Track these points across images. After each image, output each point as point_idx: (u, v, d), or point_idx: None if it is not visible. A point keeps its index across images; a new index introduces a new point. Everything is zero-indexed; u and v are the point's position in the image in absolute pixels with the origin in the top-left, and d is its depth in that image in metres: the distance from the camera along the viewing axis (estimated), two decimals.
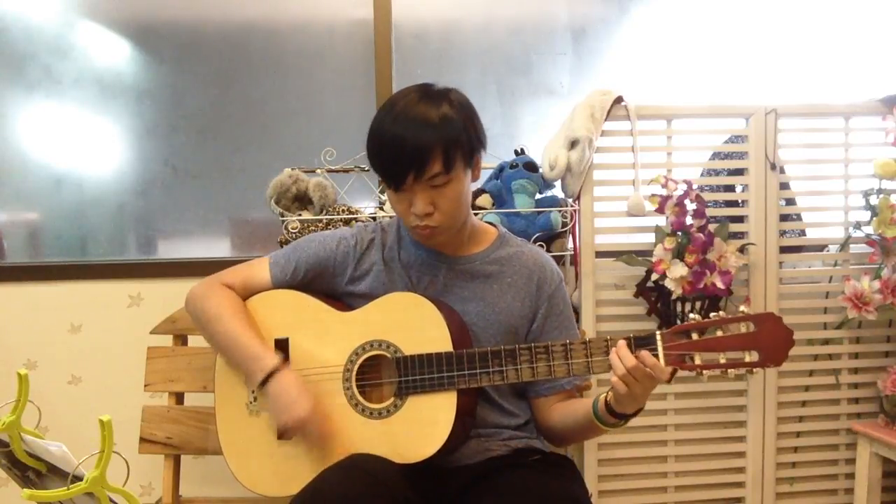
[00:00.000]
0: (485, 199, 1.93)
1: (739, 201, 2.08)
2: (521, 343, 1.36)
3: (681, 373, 1.20)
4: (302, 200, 1.90)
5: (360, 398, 1.29)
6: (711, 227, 1.91)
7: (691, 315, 1.22)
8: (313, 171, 1.94)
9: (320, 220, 1.85)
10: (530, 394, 1.39)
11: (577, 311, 1.97)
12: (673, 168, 2.03)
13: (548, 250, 1.88)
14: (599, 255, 2.01)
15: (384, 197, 1.89)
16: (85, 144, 2.17)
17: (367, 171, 1.91)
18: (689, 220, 1.87)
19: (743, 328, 1.18)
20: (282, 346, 1.33)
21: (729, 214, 2.04)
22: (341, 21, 2.22)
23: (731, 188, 2.10)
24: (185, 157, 2.21)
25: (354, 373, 1.30)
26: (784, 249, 2.06)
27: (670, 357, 1.18)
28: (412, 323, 1.28)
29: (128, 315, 2.07)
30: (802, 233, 2.12)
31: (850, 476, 2.10)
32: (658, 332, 1.19)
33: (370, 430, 1.27)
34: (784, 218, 2.06)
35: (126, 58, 2.19)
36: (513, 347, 1.25)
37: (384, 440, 1.25)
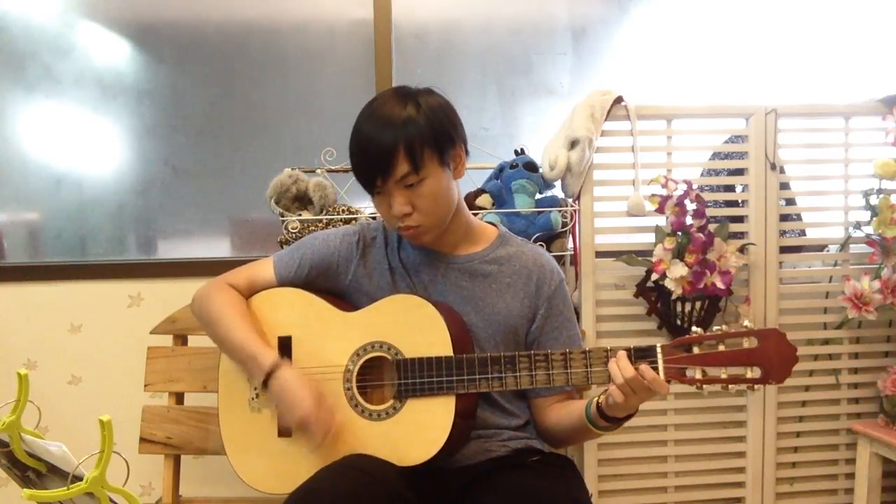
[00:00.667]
0: (485, 199, 1.93)
1: (739, 201, 2.08)
2: (521, 343, 1.36)
3: None
4: (302, 200, 1.90)
5: (360, 399, 1.29)
6: (711, 227, 1.91)
7: (694, 328, 1.20)
8: (313, 171, 1.94)
9: (320, 220, 1.85)
10: (529, 394, 1.39)
11: (577, 311, 1.96)
12: (673, 168, 2.03)
13: (548, 250, 1.88)
14: (599, 255, 2.01)
15: None
16: (85, 144, 2.17)
17: None
18: (689, 220, 1.87)
19: (745, 343, 1.16)
20: (284, 343, 1.34)
21: (729, 214, 2.04)
22: (341, 21, 2.23)
23: (731, 188, 2.10)
24: (185, 157, 2.21)
25: (355, 373, 1.30)
26: (784, 249, 2.06)
27: (670, 370, 1.17)
28: (414, 325, 1.28)
29: (128, 315, 2.07)
30: (802, 233, 2.12)
31: (850, 476, 2.10)
32: (658, 346, 1.18)
33: (369, 432, 1.27)
34: (784, 218, 2.06)
35: (126, 58, 2.19)
36: (512, 355, 1.25)
37: (383, 442, 1.25)
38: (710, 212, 1.93)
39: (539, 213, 1.90)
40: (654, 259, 1.91)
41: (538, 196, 1.94)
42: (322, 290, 1.39)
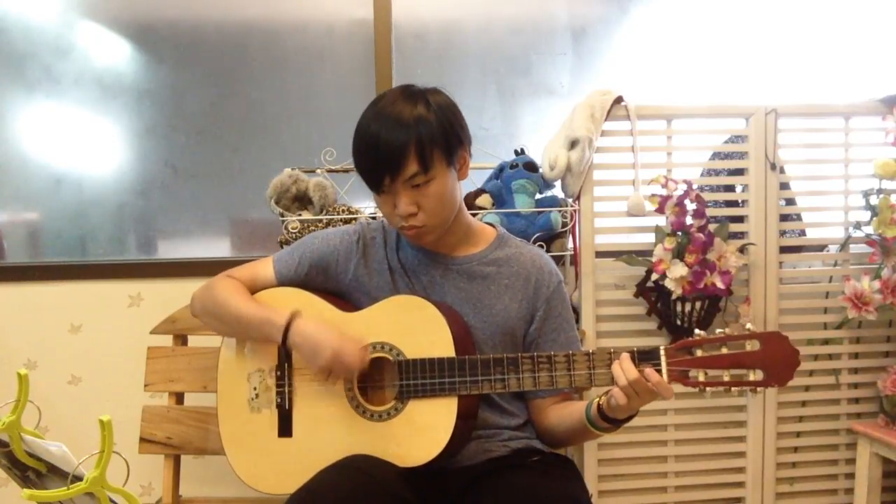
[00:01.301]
0: (485, 199, 1.93)
1: (739, 201, 2.08)
2: (519, 344, 1.36)
3: None
4: (302, 200, 1.90)
5: (361, 400, 1.29)
6: (711, 227, 1.91)
7: (697, 331, 1.21)
8: (313, 171, 1.94)
9: (320, 220, 1.85)
10: (528, 395, 1.39)
11: (577, 312, 1.97)
12: (673, 168, 2.03)
13: (548, 250, 1.88)
14: (599, 255, 2.01)
15: None
16: (85, 144, 2.17)
17: None
18: (689, 220, 1.87)
19: (748, 346, 1.17)
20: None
21: (729, 214, 2.04)
22: (341, 21, 2.23)
23: (731, 188, 2.10)
24: (185, 157, 2.21)
25: (356, 374, 1.30)
26: (784, 249, 2.06)
27: (673, 373, 1.17)
28: (415, 326, 1.28)
29: (128, 315, 2.07)
30: (802, 233, 2.12)
31: (850, 476, 2.10)
32: (662, 348, 1.19)
33: (370, 433, 1.27)
34: (784, 218, 2.06)
35: (126, 58, 2.19)
36: (515, 356, 1.25)
37: (384, 443, 1.25)
38: (710, 212, 1.93)
39: (539, 213, 1.90)
40: (654, 259, 1.91)
41: (538, 196, 1.94)
42: (322, 289, 1.39)
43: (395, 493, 1.15)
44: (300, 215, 1.87)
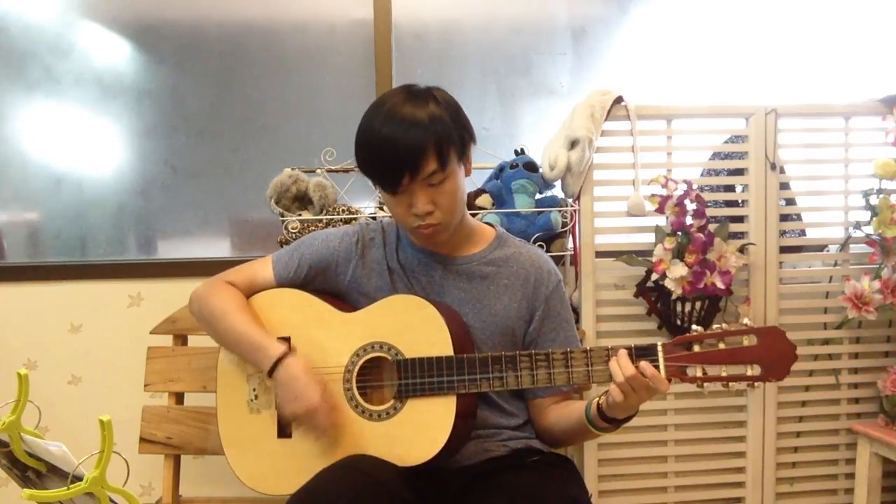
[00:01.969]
0: (485, 199, 1.93)
1: (739, 201, 2.08)
2: (518, 344, 1.36)
3: None
4: (302, 200, 1.90)
5: (360, 399, 1.29)
6: (711, 227, 1.91)
7: (694, 326, 1.21)
8: (313, 171, 1.94)
9: (320, 220, 1.85)
10: (527, 395, 1.39)
11: (577, 311, 1.97)
12: (673, 168, 2.03)
13: (548, 250, 1.88)
14: (599, 255, 2.01)
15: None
16: (85, 144, 2.17)
17: None
18: (689, 220, 1.87)
19: (745, 341, 1.17)
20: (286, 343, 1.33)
21: (729, 214, 2.04)
22: (341, 21, 2.23)
23: (731, 188, 2.10)
24: (185, 157, 2.21)
25: (355, 374, 1.30)
26: (784, 249, 2.06)
27: (671, 369, 1.17)
28: (414, 326, 1.28)
29: (128, 315, 2.07)
30: (802, 233, 2.12)
31: (850, 476, 2.10)
32: (660, 343, 1.19)
33: (370, 432, 1.27)
34: (784, 218, 2.06)
35: (126, 58, 2.19)
36: (513, 354, 1.25)
37: (383, 442, 1.25)
38: (710, 212, 1.93)
39: (539, 213, 1.90)
40: (654, 259, 1.91)
41: (538, 196, 1.94)
42: (321, 290, 1.39)
43: (395, 493, 1.15)
44: (300, 215, 1.87)
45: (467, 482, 1.27)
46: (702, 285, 1.87)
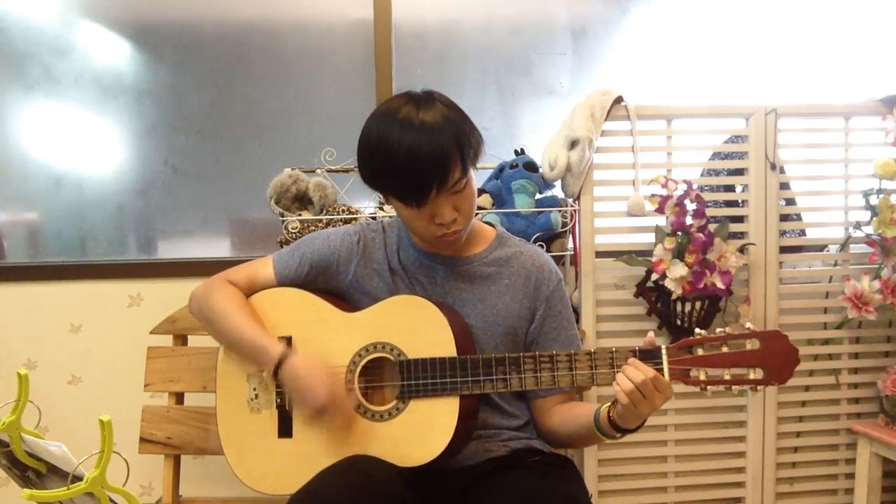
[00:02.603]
0: (485, 199, 1.93)
1: (739, 201, 2.08)
2: (520, 344, 1.36)
3: None
4: (302, 200, 1.90)
5: (362, 400, 1.29)
6: (711, 227, 1.91)
7: (697, 330, 1.22)
8: (313, 171, 1.94)
9: (320, 220, 1.85)
10: (529, 395, 1.39)
11: (577, 311, 1.97)
12: (673, 168, 2.03)
13: (548, 250, 1.88)
14: (599, 255, 2.01)
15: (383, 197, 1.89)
16: (85, 144, 2.17)
17: None
18: (689, 220, 1.87)
19: (748, 345, 1.18)
20: (286, 342, 1.33)
21: (729, 214, 2.04)
22: (341, 21, 2.22)
23: (731, 188, 2.10)
24: (185, 157, 2.21)
25: (357, 374, 1.30)
26: (784, 249, 2.06)
27: (675, 371, 1.18)
28: (416, 326, 1.28)
29: (128, 315, 2.07)
30: (802, 233, 2.12)
31: (850, 476, 2.10)
32: (664, 347, 1.19)
33: (372, 433, 1.27)
34: (784, 218, 2.06)
35: (126, 58, 2.19)
36: (517, 356, 1.25)
37: (386, 443, 1.25)
38: (710, 212, 1.93)
39: (539, 213, 1.90)
40: (654, 259, 1.91)
41: (538, 196, 1.94)
42: (322, 290, 1.39)
43: (396, 494, 1.15)
44: (300, 215, 1.87)
45: (468, 482, 1.27)
46: (702, 285, 1.87)
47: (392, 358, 1.28)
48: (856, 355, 2.11)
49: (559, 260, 1.97)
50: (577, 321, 1.94)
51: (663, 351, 1.19)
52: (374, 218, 1.86)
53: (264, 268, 1.39)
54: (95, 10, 2.16)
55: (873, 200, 2.00)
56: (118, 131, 2.19)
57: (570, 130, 1.92)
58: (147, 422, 1.69)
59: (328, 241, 1.39)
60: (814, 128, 2.09)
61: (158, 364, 1.72)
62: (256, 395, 1.34)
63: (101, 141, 2.18)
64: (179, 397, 1.72)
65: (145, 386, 1.72)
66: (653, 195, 1.93)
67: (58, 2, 2.14)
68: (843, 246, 2.08)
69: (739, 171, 2.06)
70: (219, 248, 2.26)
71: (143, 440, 1.68)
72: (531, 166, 1.93)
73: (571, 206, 1.98)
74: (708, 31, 2.34)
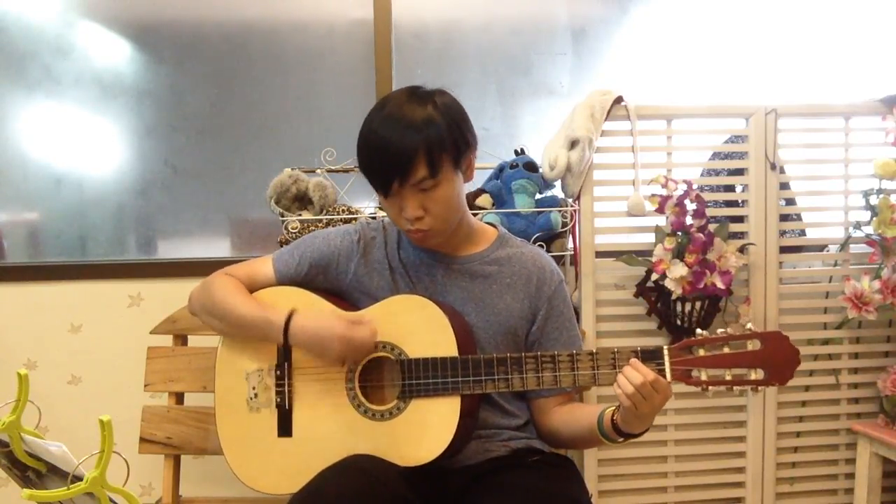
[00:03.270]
0: (485, 199, 1.93)
1: (739, 201, 2.08)
2: (521, 344, 1.36)
3: None
4: (302, 200, 1.90)
5: (362, 399, 1.29)
6: (711, 227, 1.91)
7: (699, 330, 1.22)
8: (313, 171, 1.94)
9: (320, 220, 1.85)
10: (529, 395, 1.39)
11: (577, 311, 1.96)
12: (673, 168, 2.03)
13: (548, 250, 1.88)
14: (599, 255, 2.01)
15: None
16: (85, 144, 2.17)
17: None
18: (689, 220, 1.87)
19: (749, 345, 1.19)
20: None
21: (729, 214, 2.04)
22: (341, 21, 2.22)
23: (731, 188, 2.10)
24: (185, 157, 2.21)
25: (357, 374, 1.30)
26: (784, 249, 2.06)
27: (676, 372, 1.19)
28: (417, 326, 1.28)
29: (128, 315, 2.07)
30: (802, 233, 2.12)
31: (850, 476, 2.10)
32: (665, 347, 1.20)
33: (372, 432, 1.27)
34: (784, 218, 2.06)
35: (126, 58, 2.19)
36: (519, 356, 1.25)
37: (386, 442, 1.25)
38: (710, 212, 1.93)
39: (539, 213, 1.90)
40: (654, 259, 1.91)
41: (538, 196, 1.94)
42: (322, 289, 1.39)
43: (397, 493, 1.15)
44: (300, 215, 1.87)
45: (468, 482, 1.27)
46: (702, 285, 1.87)
47: (393, 357, 1.28)
48: (856, 355, 2.11)
49: (559, 260, 1.97)
50: (578, 321, 1.93)
51: (665, 351, 1.20)
52: (373, 218, 1.86)
53: (264, 266, 1.39)
54: (95, 10, 2.16)
55: (873, 200, 2.00)
56: (118, 131, 2.19)
57: (570, 130, 1.92)
58: (147, 422, 1.69)
59: (328, 240, 1.39)
60: (814, 128, 2.09)
61: (158, 364, 1.71)
62: (256, 395, 1.34)
63: (101, 141, 2.18)
64: (179, 397, 1.72)
65: (145, 386, 1.72)
66: (653, 195, 1.93)
67: (58, 2, 2.14)
68: (843, 246, 2.08)
69: (739, 171, 2.06)
70: (219, 248, 2.26)
71: (143, 440, 1.68)
72: (531, 166, 1.93)
73: (571, 206, 1.98)
74: (708, 31, 2.34)
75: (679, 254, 1.89)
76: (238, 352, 1.36)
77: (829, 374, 2.10)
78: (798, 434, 2.11)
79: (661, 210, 1.90)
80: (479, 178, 2.00)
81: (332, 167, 1.92)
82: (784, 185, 2.07)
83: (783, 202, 2.07)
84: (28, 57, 2.14)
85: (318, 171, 1.93)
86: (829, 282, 2.10)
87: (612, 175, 2.03)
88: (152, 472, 2.00)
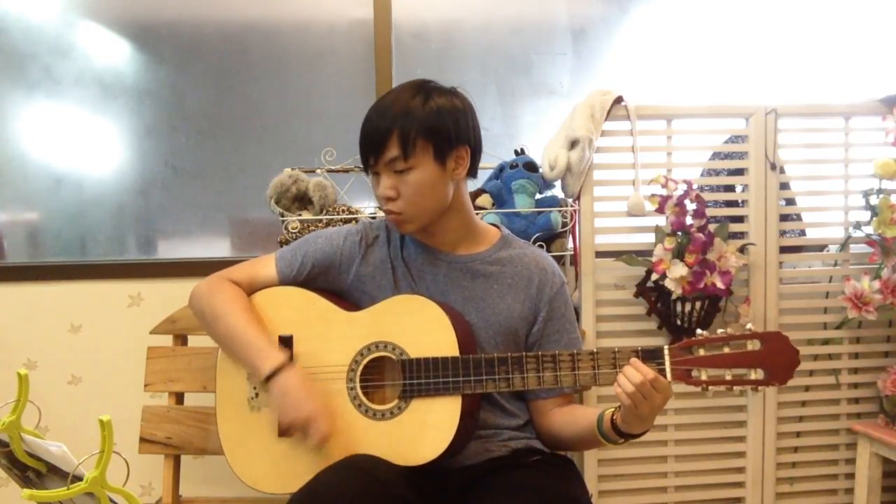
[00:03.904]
0: (485, 199, 1.93)
1: (739, 201, 2.08)
2: (521, 345, 1.36)
3: None
4: (302, 200, 1.90)
5: (363, 399, 1.29)
6: (711, 227, 1.91)
7: (699, 331, 1.23)
8: (313, 171, 1.94)
9: (320, 220, 1.85)
10: (528, 396, 1.39)
11: (577, 312, 1.96)
12: (673, 168, 2.03)
13: (548, 250, 1.88)
14: (599, 255, 2.01)
15: None
16: (85, 144, 2.17)
17: None
18: (689, 220, 1.87)
19: (749, 345, 1.19)
20: (286, 343, 1.33)
21: (729, 214, 2.04)
22: (341, 21, 2.22)
23: (731, 188, 2.10)
24: (185, 157, 2.21)
25: (359, 373, 1.30)
26: (784, 249, 2.06)
27: (677, 372, 1.19)
28: (419, 326, 1.28)
29: (128, 315, 2.07)
30: (802, 233, 2.12)
31: (850, 476, 2.10)
32: (666, 347, 1.20)
33: (373, 432, 1.27)
34: (784, 218, 2.06)
35: (126, 58, 2.19)
36: (520, 355, 1.25)
37: (387, 442, 1.25)
38: (710, 212, 1.93)
39: (539, 213, 1.90)
40: (654, 259, 1.91)
41: (538, 196, 1.94)
42: (323, 289, 1.39)
43: (397, 493, 1.15)
44: (300, 215, 1.87)
45: (468, 482, 1.27)
46: (702, 285, 1.87)
47: (394, 357, 1.28)
48: (856, 355, 2.11)
49: (559, 260, 1.97)
50: (578, 321, 1.93)
51: (665, 351, 1.20)
52: (373, 218, 1.87)
53: (266, 267, 1.39)
54: (95, 10, 2.16)
55: (873, 200, 2.00)
56: (118, 131, 2.19)
57: (570, 130, 1.92)
58: (147, 422, 1.69)
59: (330, 240, 1.39)
60: (814, 128, 2.09)
61: (158, 364, 1.71)
62: (256, 395, 1.34)
63: (101, 141, 2.18)
64: (179, 397, 1.72)
65: (145, 386, 1.71)
66: (653, 195, 1.93)
67: (58, 2, 2.14)
68: (843, 246, 2.08)
69: (739, 171, 2.06)
70: (219, 248, 2.26)
71: (143, 440, 1.68)
72: (531, 166, 1.93)
73: (571, 206, 1.98)
74: (708, 31, 2.34)
75: (679, 254, 1.89)
76: None
77: (829, 374, 2.10)
78: (798, 434, 2.11)
79: (661, 210, 1.90)
80: (479, 178, 1.99)
81: (332, 167, 1.92)
82: (784, 185, 2.07)
83: (783, 202, 2.07)
84: (28, 57, 2.14)
85: (318, 171, 1.93)
86: (829, 282, 2.10)
87: (612, 175, 2.03)
88: (152, 472, 2.00)
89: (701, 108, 2.06)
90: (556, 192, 2.01)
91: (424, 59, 2.27)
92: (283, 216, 1.87)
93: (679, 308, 1.93)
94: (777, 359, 1.18)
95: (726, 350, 1.19)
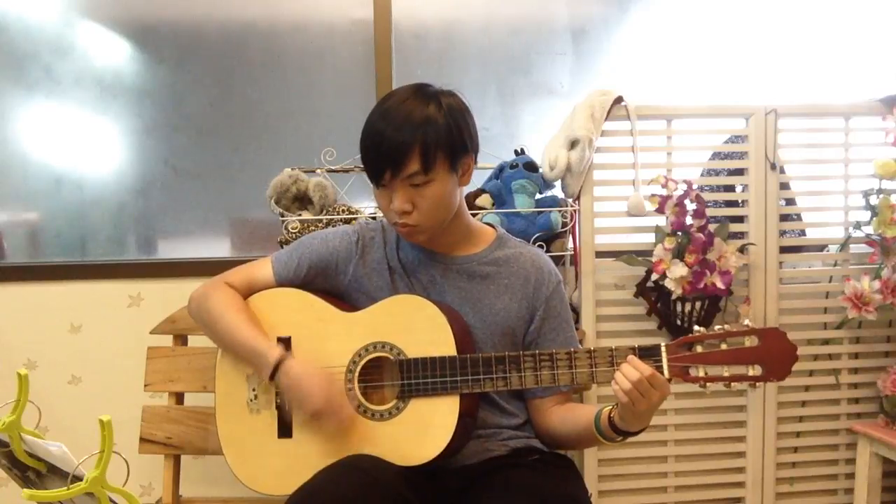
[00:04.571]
0: (485, 199, 1.93)
1: (739, 201, 2.08)
2: (518, 345, 1.37)
3: None
4: (302, 200, 1.90)
5: (361, 399, 1.29)
6: (711, 227, 1.91)
7: (696, 327, 1.23)
8: (313, 171, 1.94)
9: (320, 220, 1.85)
10: (527, 395, 1.39)
11: (576, 312, 1.97)
12: (673, 168, 2.03)
13: (548, 250, 1.88)
14: (599, 255, 2.01)
15: None
16: (85, 144, 2.17)
17: None
18: (689, 220, 1.87)
19: (747, 342, 1.19)
20: (284, 344, 1.33)
21: (729, 214, 2.04)
22: (341, 21, 2.22)
23: (731, 188, 2.10)
24: (185, 157, 2.21)
25: (357, 374, 1.30)
26: (784, 249, 2.06)
27: (674, 369, 1.19)
28: (416, 326, 1.28)
29: (128, 315, 2.07)
30: (802, 233, 2.12)
31: (850, 476, 2.10)
32: (663, 344, 1.20)
33: (372, 432, 1.27)
34: (784, 218, 2.06)
35: (126, 58, 2.19)
36: (517, 354, 1.25)
37: (386, 442, 1.25)
38: (710, 212, 1.93)
39: (539, 213, 1.90)
40: (654, 259, 1.91)
41: (538, 196, 1.94)
42: (321, 290, 1.39)
43: (396, 493, 1.15)
44: (300, 215, 1.87)
45: (467, 481, 1.27)
46: (702, 285, 1.87)
47: (392, 357, 1.28)
48: (856, 355, 2.11)
49: (559, 260, 1.97)
50: (577, 321, 1.94)
51: (663, 348, 1.20)
52: (373, 218, 1.86)
53: (263, 269, 1.39)
54: (95, 10, 2.16)
55: (873, 200, 2.00)
56: (118, 131, 2.19)
57: (570, 130, 1.92)
58: (147, 422, 1.69)
59: (327, 241, 1.39)
60: (814, 128, 2.09)
61: (158, 364, 1.72)
62: (256, 396, 1.34)
63: (101, 141, 2.18)
64: (179, 397, 1.73)
65: (145, 386, 1.72)
66: (653, 195, 1.93)
67: (58, 2, 2.14)
68: (843, 246, 2.08)
69: (739, 171, 2.06)
70: (219, 248, 2.25)
71: (143, 440, 1.68)
72: (531, 166, 1.93)
73: (571, 206, 1.98)
74: (708, 31, 2.34)
75: (679, 254, 1.89)
76: None
77: (829, 374, 2.10)
78: (798, 434, 2.11)
79: (661, 210, 1.90)
80: (479, 178, 2.00)
81: (332, 167, 1.92)
82: (784, 185, 2.07)
83: (783, 202, 2.07)
84: (28, 57, 2.14)
85: (318, 171, 1.93)
86: (829, 282, 2.10)
87: (612, 175, 2.03)
88: (152, 472, 2.00)
89: (701, 108, 2.06)
90: (556, 192, 2.01)
91: (424, 59, 2.27)
92: (283, 216, 1.87)
93: (679, 308, 1.94)
94: (775, 355, 1.18)
95: (724, 347, 1.19)
